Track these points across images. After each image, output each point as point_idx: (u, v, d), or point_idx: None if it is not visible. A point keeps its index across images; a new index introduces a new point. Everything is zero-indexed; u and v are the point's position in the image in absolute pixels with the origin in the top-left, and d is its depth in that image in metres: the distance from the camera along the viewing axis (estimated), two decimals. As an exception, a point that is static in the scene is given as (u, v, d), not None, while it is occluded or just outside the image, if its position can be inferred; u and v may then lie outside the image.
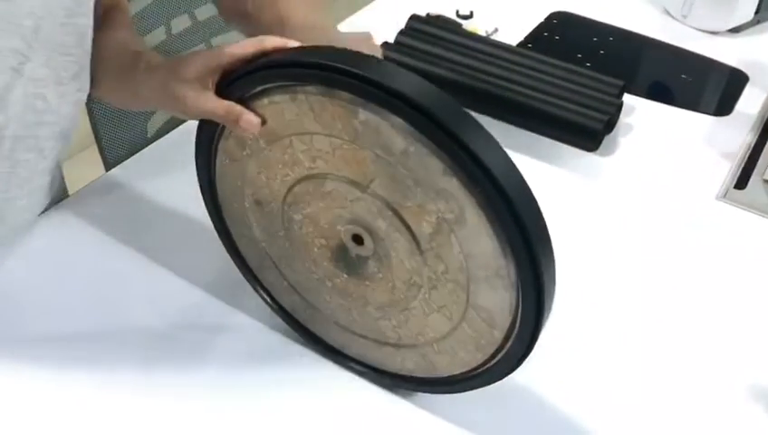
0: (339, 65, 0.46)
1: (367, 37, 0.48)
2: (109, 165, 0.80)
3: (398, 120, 0.45)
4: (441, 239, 0.48)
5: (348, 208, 0.52)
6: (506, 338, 0.49)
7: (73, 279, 0.67)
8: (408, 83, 0.45)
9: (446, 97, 0.45)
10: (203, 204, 0.61)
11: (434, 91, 0.45)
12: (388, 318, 0.56)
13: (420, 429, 0.57)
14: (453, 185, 0.45)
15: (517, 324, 0.48)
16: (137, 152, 0.82)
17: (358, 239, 0.53)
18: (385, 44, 0.93)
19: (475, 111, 0.89)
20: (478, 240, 0.46)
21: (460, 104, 0.45)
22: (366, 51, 0.47)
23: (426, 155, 0.45)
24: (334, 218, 0.54)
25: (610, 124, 0.86)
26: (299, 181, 0.54)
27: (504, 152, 0.45)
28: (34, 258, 0.68)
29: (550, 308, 0.47)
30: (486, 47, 0.93)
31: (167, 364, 0.60)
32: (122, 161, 0.81)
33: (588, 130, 0.83)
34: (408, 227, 0.49)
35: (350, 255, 0.54)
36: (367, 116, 0.46)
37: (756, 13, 1.08)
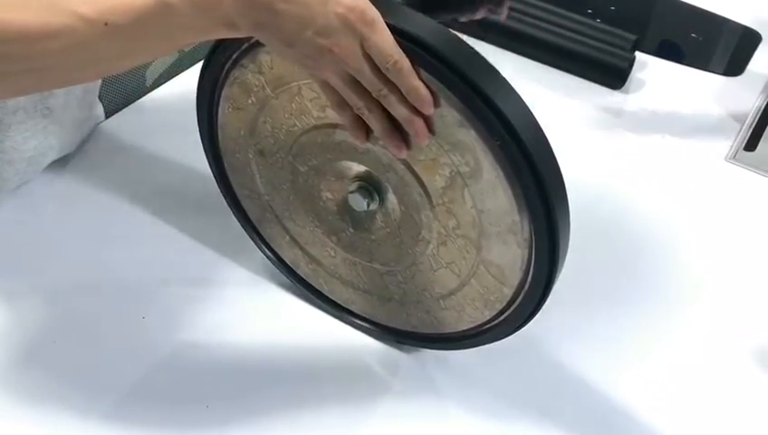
0: None
1: None
2: (105, 114, 0.78)
3: (415, 68, 0.43)
4: (453, 194, 0.47)
5: (357, 161, 0.51)
6: (516, 295, 0.48)
7: (68, 233, 0.65)
8: (426, 29, 0.43)
9: (467, 45, 0.43)
10: (202, 156, 0.59)
11: (454, 38, 0.43)
12: (393, 274, 0.55)
13: (425, 384, 0.56)
14: (470, 137, 0.44)
15: (528, 281, 0.47)
16: (134, 102, 0.80)
17: (366, 193, 0.51)
18: None
19: (502, 47, 0.90)
20: (493, 195, 0.45)
21: (482, 46, 0.43)
22: None
23: (442, 106, 0.44)
24: (342, 171, 0.52)
25: (623, 77, 0.86)
26: (306, 132, 0.52)
27: (525, 105, 0.43)
28: (28, 209, 0.67)
29: (562, 265, 0.46)
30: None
31: (163, 319, 0.59)
32: (119, 110, 0.78)
33: (614, 67, 0.86)
34: (420, 181, 0.48)
35: (357, 209, 0.52)
36: None
37: (772, -29, 1.06)
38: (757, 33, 0.98)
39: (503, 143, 0.42)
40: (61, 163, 0.71)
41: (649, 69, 0.91)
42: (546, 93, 0.68)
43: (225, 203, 0.61)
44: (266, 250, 0.62)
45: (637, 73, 0.89)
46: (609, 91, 0.87)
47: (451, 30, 0.43)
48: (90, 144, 0.74)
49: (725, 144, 0.81)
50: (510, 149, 0.42)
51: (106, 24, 0.41)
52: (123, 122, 0.77)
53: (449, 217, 0.48)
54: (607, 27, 0.88)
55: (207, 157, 0.59)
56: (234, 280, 0.63)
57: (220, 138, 0.58)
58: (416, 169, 0.48)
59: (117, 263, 0.63)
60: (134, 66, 0.50)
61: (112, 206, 0.68)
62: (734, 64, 0.93)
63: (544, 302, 0.47)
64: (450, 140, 0.45)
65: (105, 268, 0.63)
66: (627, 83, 0.87)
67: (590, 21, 0.88)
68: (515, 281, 0.48)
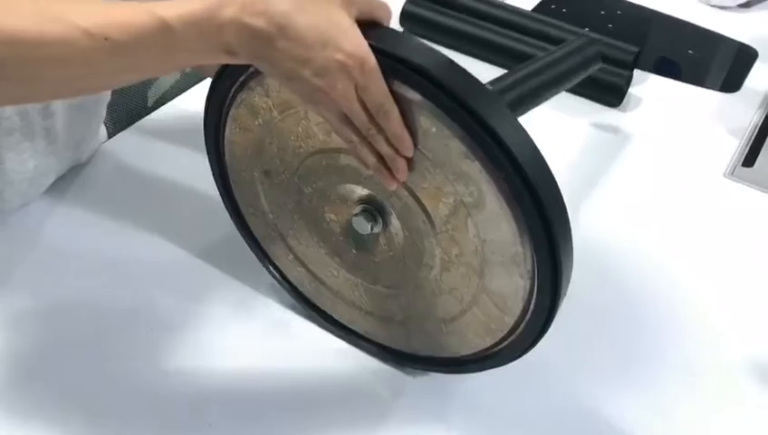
0: None
1: (384, 4, 0.46)
2: (109, 134, 0.78)
3: (420, 98, 0.44)
4: (457, 222, 0.48)
5: (361, 185, 0.51)
6: (518, 324, 0.49)
7: (69, 252, 0.65)
8: (432, 60, 0.43)
9: (471, 76, 0.44)
10: (205, 175, 0.60)
11: (458, 69, 0.44)
12: (396, 296, 0.55)
13: (430, 408, 0.56)
14: (474, 168, 0.44)
15: (530, 311, 0.47)
16: (136, 122, 0.80)
17: (369, 216, 0.52)
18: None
19: (499, 65, 0.91)
20: (496, 226, 0.45)
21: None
22: (381, 17, 0.45)
23: (447, 136, 0.44)
24: (346, 194, 0.53)
25: (621, 95, 0.86)
26: (312, 154, 0.52)
27: (529, 137, 0.43)
28: (30, 229, 0.67)
29: (564, 296, 0.46)
30: (501, 12, 0.93)
31: (167, 340, 0.59)
32: (121, 130, 0.78)
33: (612, 85, 0.86)
34: (424, 208, 0.49)
35: (361, 232, 0.53)
36: (390, 92, 0.45)
37: (767, -12, 1.06)
38: (753, 49, 0.98)
39: (506, 176, 0.43)
40: (63, 183, 0.71)
41: (647, 86, 0.91)
42: (544, 111, 0.68)
43: (229, 222, 0.62)
44: (271, 268, 0.63)
45: (634, 91, 0.89)
46: (607, 108, 0.87)
47: (457, 63, 0.44)
48: (92, 164, 0.74)
49: (724, 160, 0.81)
50: (514, 182, 0.43)
51: (106, 38, 0.42)
52: (125, 142, 0.77)
53: (452, 244, 0.49)
54: (603, 46, 0.88)
55: (214, 174, 0.60)
56: (238, 299, 0.63)
57: (227, 157, 0.58)
58: (419, 196, 0.48)
59: (119, 283, 0.63)
60: (130, 83, 0.50)
61: (114, 225, 0.68)
62: (731, 81, 0.93)
63: (546, 331, 0.48)
64: (455, 170, 0.45)
65: (107, 288, 0.63)
66: (624, 101, 0.87)
67: (594, 34, 0.88)
68: (517, 310, 0.48)
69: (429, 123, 0.44)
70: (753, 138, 0.85)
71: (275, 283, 0.63)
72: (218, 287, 0.64)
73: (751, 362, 0.62)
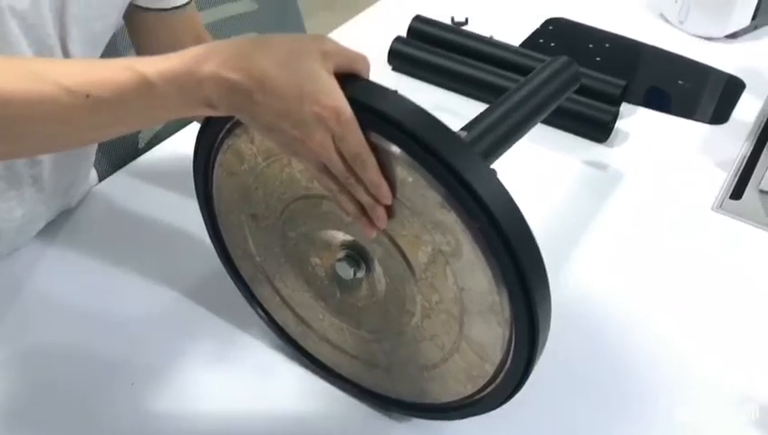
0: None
1: (362, 56, 0.47)
2: (99, 177, 0.79)
3: (397, 149, 0.45)
4: (436, 270, 0.48)
5: (343, 231, 0.52)
6: (498, 372, 0.49)
7: (58, 298, 0.66)
8: (406, 112, 0.44)
9: (445, 128, 0.44)
10: (195, 216, 0.60)
11: (433, 121, 0.44)
12: (379, 341, 0.55)
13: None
14: (450, 219, 0.45)
15: (509, 360, 0.47)
16: (127, 164, 0.81)
17: (352, 261, 0.52)
18: (397, 39, 0.94)
19: (484, 102, 0.91)
20: (473, 275, 0.46)
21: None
22: (360, 69, 0.46)
23: (423, 187, 0.45)
24: (329, 239, 0.53)
25: (607, 130, 0.86)
26: (296, 200, 0.53)
27: (504, 188, 0.44)
28: (18, 275, 0.67)
29: (543, 345, 0.46)
30: (488, 48, 0.93)
31: (153, 383, 0.60)
32: (113, 173, 0.79)
33: (598, 121, 0.86)
34: (404, 255, 0.49)
35: (344, 277, 0.53)
36: (368, 143, 0.45)
37: (753, 18, 1.06)
38: (741, 80, 0.99)
39: (481, 227, 0.43)
40: (53, 227, 0.71)
41: (634, 119, 0.91)
42: (531, 147, 0.68)
43: (219, 264, 0.62)
44: (259, 310, 0.63)
45: (622, 124, 0.89)
46: (594, 144, 0.87)
47: (432, 115, 0.45)
48: (82, 207, 0.74)
49: (711, 194, 0.81)
50: (488, 233, 0.43)
51: (87, 96, 0.43)
52: (116, 185, 0.78)
53: (432, 291, 0.49)
54: (591, 80, 0.87)
55: (203, 217, 0.61)
56: (227, 340, 0.63)
57: (215, 200, 0.59)
58: (399, 243, 0.49)
59: (107, 328, 0.63)
60: (115, 136, 0.51)
61: (103, 269, 0.68)
62: (720, 112, 0.93)
63: (525, 380, 0.48)
64: (432, 219, 0.46)
65: (95, 334, 0.63)
66: (612, 135, 0.87)
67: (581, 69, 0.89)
68: (497, 359, 0.48)
69: (406, 173, 0.45)
70: (740, 170, 0.85)
71: (264, 324, 0.63)
72: (207, 328, 0.64)
73: (737, 393, 0.61)
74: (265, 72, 0.42)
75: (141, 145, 0.83)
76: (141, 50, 0.69)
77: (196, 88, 0.43)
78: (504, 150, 0.59)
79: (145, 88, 0.43)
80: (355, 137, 0.44)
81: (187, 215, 0.60)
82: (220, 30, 1.00)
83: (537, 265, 0.44)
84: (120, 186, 0.78)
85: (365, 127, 0.44)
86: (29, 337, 0.63)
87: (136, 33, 0.68)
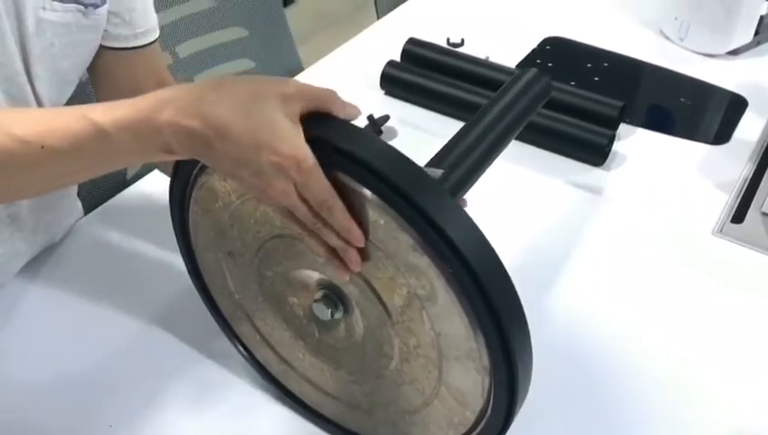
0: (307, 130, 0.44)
1: (330, 94, 0.45)
2: (86, 208, 0.77)
3: (368, 191, 0.43)
4: (412, 314, 0.46)
5: (319, 271, 0.50)
6: (479, 419, 0.47)
7: (40, 335, 0.65)
8: (375, 152, 0.42)
9: (417, 168, 0.43)
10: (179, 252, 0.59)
11: (403, 161, 0.42)
12: (359, 383, 0.53)
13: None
14: (423, 262, 0.43)
15: (489, 408, 0.45)
16: (115, 195, 0.79)
17: (330, 302, 0.51)
18: (390, 63, 0.92)
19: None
20: (449, 320, 0.44)
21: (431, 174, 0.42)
22: (330, 108, 0.45)
23: (395, 229, 0.43)
24: (305, 279, 0.51)
25: (604, 154, 0.84)
26: (270, 239, 0.51)
27: (478, 230, 0.42)
28: (3, 312, 0.66)
29: (524, 396, 0.44)
30: (483, 70, 0.91)
31: (131, 425, 0.58)
32: (98, 205, 0.78)
33: (595, 145, 0.84)
34: (380, 298, 0.47)
35: (321, 317, 0.51)
36: (338, 183, 0.44)
37: (756, 34, 1.03)
38: (744, 98, 0.95)
39: (455, 271, 0.41)
40: (36, 263, 0.70)
41: (632, 141, 0.88)
42: (526, 173, 0.66)
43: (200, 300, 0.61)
44: (239, 347, 0.61)
45: (619, 146, 0.86)
46: (591, 167, 0.84)
47: (405, 156, 0.43)
48: (67, 242, 0.73)
49: (712, 217, 0.78)
50: (462, 277, 0.41)
51: (42, 147, 0.42)
52: (102, 218, 0.77)
53: (410, 335, 0.47)
54: (587, 101, 0.85)
55: (182, 254, 0.59)
56: (208, 379, 0.62)
57: (192, 237, 0.58)
58: (375, 285, 0.47)
59: (88, 367, 0.62)
60: (79, 182, 0.50)
61: (85, 307, 0.67)
62: (722, 132, 0.90)
63: (506, 430, 0.45)
64: (405, 262, 0.44)
65: (75, 373, 0.62)
66: (609, 159, 0.84)
67: (569, 97, 0.86)
68: (477, 407, 0.46)
69: (377, 216, 0.43)
70: (742, 192, 0.82)
71: (245, 363, 0.61)
72: (190, 367, 0.63)
73: (737, 422, 0.59)
74: (222, 120, 0.41)
75: (129, 176, 0.82)
76: (101, 96, 0.67)
77: (153, 135, 0.42)
78: (479, 177, 0.57)
79: (100, 137, 0.42)
80: (318, 184, 0.42)
81: (174, 249, 0.59)
82: (212, 57, 0.99)
83: (514, 312, 0.42)
84: (106, 219, 0.77)
85: (333, 168, 0.43)
86: (7, 378, 0.61)
87: (96, 76, 0.66)
